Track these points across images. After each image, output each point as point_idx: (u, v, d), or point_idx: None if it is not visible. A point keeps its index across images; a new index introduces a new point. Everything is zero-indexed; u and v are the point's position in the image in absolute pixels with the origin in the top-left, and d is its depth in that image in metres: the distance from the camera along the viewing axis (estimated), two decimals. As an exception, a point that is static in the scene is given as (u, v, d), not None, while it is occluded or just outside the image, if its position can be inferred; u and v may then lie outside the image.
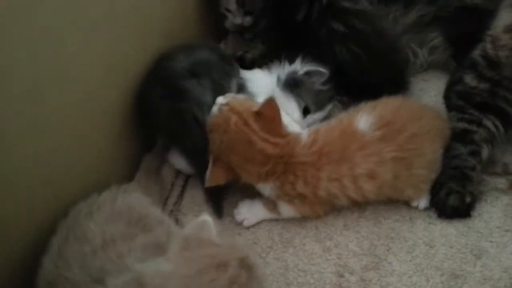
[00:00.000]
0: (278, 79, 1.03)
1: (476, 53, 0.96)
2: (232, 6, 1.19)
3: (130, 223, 0.78)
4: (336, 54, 1.02)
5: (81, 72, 0.82)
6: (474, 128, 0.92)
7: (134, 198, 0.84)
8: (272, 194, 0.87)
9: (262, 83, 1.04)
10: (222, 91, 0.94)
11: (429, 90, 1.12)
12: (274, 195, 0.87)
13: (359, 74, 1.03)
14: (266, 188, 0.87)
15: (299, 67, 1.02)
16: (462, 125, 0.94)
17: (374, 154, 0.83)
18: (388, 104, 0.91)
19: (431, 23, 1.11)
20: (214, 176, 0.86)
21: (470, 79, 0.96)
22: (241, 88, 1.01)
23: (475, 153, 0.91)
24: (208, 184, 0.87)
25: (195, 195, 0.97)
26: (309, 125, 0.99)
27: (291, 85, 1.02)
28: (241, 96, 0.94)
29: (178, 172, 1.00)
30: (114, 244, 0.72)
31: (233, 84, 1.00)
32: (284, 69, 1.03)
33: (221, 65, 1.00)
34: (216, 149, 0.86)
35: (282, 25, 1.05)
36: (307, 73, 1.01)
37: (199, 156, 0.91)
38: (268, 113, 0.85)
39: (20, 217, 0.76)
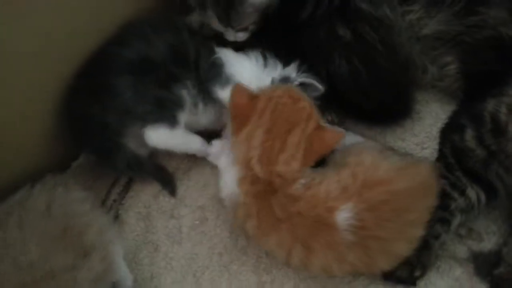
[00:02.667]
0: (272, 82, 0.90)
1: (488, 107, 0.84)
2: (218, 26, 0.92)
3: (65, 233, 0.73)
4: (333, 65, 0.88)
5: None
6: (455, 195, 0.84)
7: (72, 200, 0.77)
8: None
9: (245, 74, 0.91)
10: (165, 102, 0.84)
11: (426, 117, 1.01)
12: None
13: (355, 93, 0.90)
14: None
15: (294, 75, 0.89)
16: (444, 184, 0.85)
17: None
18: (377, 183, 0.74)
19: (451, 44, 0.94)
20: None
21: (470, 137, 0.85)
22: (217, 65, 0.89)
23: (445, 221, 0.84)
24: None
25: (140, 191, 0.90)
26: None
27: None
28: None
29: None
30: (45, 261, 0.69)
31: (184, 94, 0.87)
32: (277, 71, 0.90)
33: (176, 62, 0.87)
34: None
35: (282, 23, 0.88)
36: (302, 84, 0.89)
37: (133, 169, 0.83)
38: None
39: None
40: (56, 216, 0.74)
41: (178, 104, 0.87)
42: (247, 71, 0.91)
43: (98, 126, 0.83)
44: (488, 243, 0.87)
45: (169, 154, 0.92)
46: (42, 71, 0.82)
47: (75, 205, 0.78)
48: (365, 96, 0.90)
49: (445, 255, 0.86)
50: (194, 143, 0.90)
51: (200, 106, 0.91)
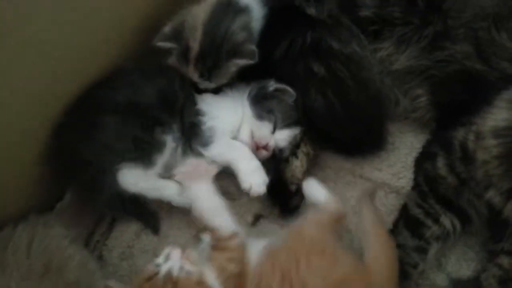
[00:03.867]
0: (249, 93, 0.97)
1: (457, 136, 0.87)
2: (195, 78, 0.95)
3: (46, 270, 0.73)
4: (310, 99, 0.92)
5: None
6: (429, 223, 0.86)
7: (54, 236, 0.78)
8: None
9: (225, 116, 0.95)
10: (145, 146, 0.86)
11: (401, 148, 1.04)
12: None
13: (331, 126, 0.94)
14: None
15: (269, 84, 0.95)
16: (418, 214, 0.88)
17: None
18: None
19: (421, 78, 0.98)
20: None
21: (441, 165, 0.88)
22: (196, 125, 0.92)
23: (421, 250, 0.86)
24: None
25: (124, 231, 0.91)
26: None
27: (263, 98, 0.96)
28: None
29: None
30: None
31: (167, 141, 0.90)
32: (253, 87, 0.97)
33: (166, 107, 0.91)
34: None
35: (259, 62, 0.92)
36: (277, 90, 0.95)
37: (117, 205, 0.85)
38: None
39: None
40: (36, 253, 0.75)
41: (157, 148, 0.90)
42: (227, 114, 0.96)
43: (82, 162, 0.85)
44: (467, 270, 0.89)
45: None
46: (26, 113, 0.84)
47: (55, 240, 0.79)
48: (340, 129, 0.93)
49: (425, 284, 0.87)
50: (169, 189, 0.90)
51: (179, 151, 0.94)
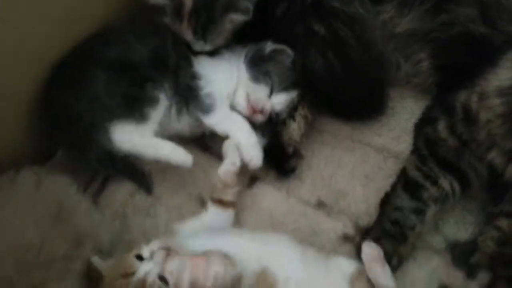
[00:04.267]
0: (246, 55, 0.95)
1: (460, 98, 0.86)
2: (189, 37, 0.92)
3: (57, 217, 0.73)
4: (309, 60, 0.90)
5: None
6: (428, 185, 0.85)
7: (59, 183, 0.78)
8: None
9: (222, 81, 0.94)
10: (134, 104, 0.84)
11: (402, 113, 1.02)
12: None
13: (330, 88, 0.91)
14: None
15: (266, 46, 0.94)
16: (417, 177, 0.87)
17: None
18: None
19: (423, 41, 0.96)
20: None
21: (442, 128, 0.86)
22: (194, 89, 0.90)
23: (420, 212, 0.85)
24: None
25: (116, 190, 0.90)
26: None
27: (260, 60, 0.94)
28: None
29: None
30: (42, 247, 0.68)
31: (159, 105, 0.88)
32: (250, 48, 0.95)
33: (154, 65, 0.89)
34: None
35: (258, 22, 0.89)
36: (274, 51, 0.93)
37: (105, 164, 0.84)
38: None
39: None
40: (46, 198, 0.73)
41: (148, 102, 0.87)
42: (223, 78, 0.94)
43: (72, 118, 0.83)
44: (465, 233, 0.88)
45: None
46: (19, 66, 0.82)
47: (63, 187, 0.78)
48: (340, 90, 0.91)
49: (422, 246, 0.87)
50: (165, 148, 0.87)
51: (174, 110, 0.92)
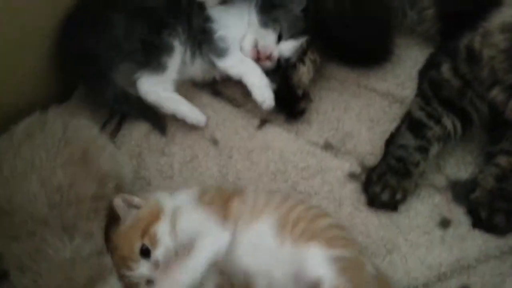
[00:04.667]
0: (257, 2, 0.96)
1: (463, 41, 0.89)
2: None
3: (84, 159, 0.75)
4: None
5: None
6: (431, 124, 0.88)
7: (83, 126, 0.81)
8: None
9: (235, 26, 0.96)
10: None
11: (406, 60, 1.05)
12: None
13: (339, 29, 0.94)
14: None
15: None
16: (421, 116, 0.90)
17: None
18: None
19: (428, -12, 0.99)
20: None
21: (446, 69, 0.89)
22: (207, 32, 0.92)
23: (423, 149, 0.88)
24: None
25: (132, 130, 0.93)
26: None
27: (270, 6, 0.96)
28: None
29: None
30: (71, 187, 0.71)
31: (175, 52, 0.91)
32: None
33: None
34: None
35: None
36: None
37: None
38: None
39: None
40: (72, 141, 0.75)
41: (165, 51, 0.91)
42: (235, 23, 0.96)
43: (91, 57, 0.86)
44: (465, 172, 0.92)
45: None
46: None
47: (87, 130, 0.80)
48: (349, 32, 0.94)
49: (425, 184, 0.91)
50: (185, 105, 0.93)
51: (188, 54, 0.94)
